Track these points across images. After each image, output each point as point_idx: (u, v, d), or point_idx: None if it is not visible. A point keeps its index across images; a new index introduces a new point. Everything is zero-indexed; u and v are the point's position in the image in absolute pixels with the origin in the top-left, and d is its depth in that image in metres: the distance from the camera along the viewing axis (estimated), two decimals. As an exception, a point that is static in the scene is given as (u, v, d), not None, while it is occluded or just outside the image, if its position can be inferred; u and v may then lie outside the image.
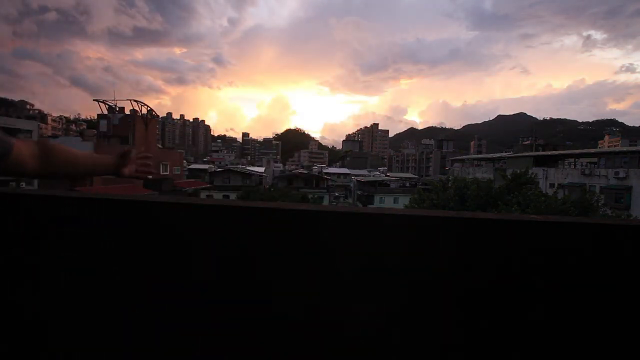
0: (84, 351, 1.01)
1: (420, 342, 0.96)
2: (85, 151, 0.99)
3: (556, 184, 30.82)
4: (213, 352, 0.99)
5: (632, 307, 0.91)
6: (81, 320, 1.01)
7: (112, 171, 1.07)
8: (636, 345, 0.92)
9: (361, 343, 0.96)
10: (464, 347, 0.95)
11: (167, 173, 33.66)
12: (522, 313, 0.93)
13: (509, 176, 22.02)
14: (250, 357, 0.99)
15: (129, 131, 31.31)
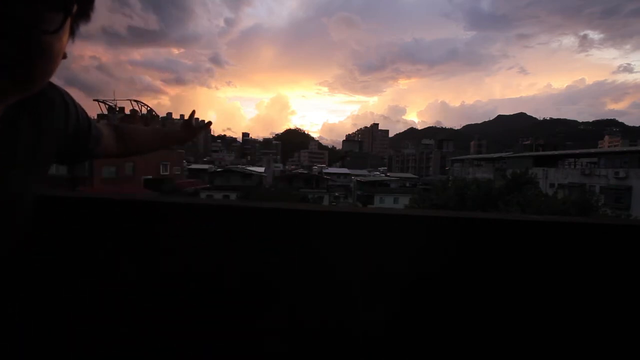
0: (84, 350, 1.01)
1: (421, 342, 0.96)
2: (152, 128, 1.04)
3: (556, 184, 30.84)
4: (214, 351, 0.99)
5: (632, 307, 0.92)
6: (82, 320, 1.01)
7: (180, 141, 1.14)
8: (636, 345, 0.92)
9: (362, 343, 0.96)
10: (465, 347, 0.95)
11: (168, 173, 33.65)
12: (523, 312, 0.93)
13: (509, 176, 22.03)
14: (252, 356, 0.99)
15: (129, 131, 31.10)
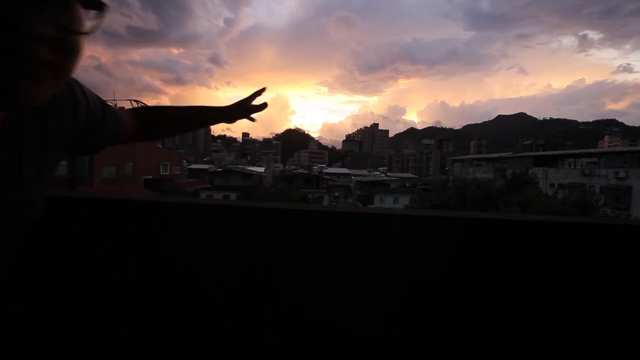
0: (84, 350, 1.01)
1: (421, 342, 0.96)
2: (189, 106, 0.91)
3: (556, 184, 30.83)
4: (214, 351, 0.99)
5: (632, 307, 0.92)
6: (82, 320, 1.01)
7: (227, 118, 0.95)
8: (636, 345, 0.92)
9: (362, 343, 0.96)
10: (465, 347, 0.95)
11: (168, 173, 33.64)
12: (523, 312, 0.93)
13: (509, 176, 22.05)
14: (252, 355, 0.99)
15: (129, 131, 31.05)
